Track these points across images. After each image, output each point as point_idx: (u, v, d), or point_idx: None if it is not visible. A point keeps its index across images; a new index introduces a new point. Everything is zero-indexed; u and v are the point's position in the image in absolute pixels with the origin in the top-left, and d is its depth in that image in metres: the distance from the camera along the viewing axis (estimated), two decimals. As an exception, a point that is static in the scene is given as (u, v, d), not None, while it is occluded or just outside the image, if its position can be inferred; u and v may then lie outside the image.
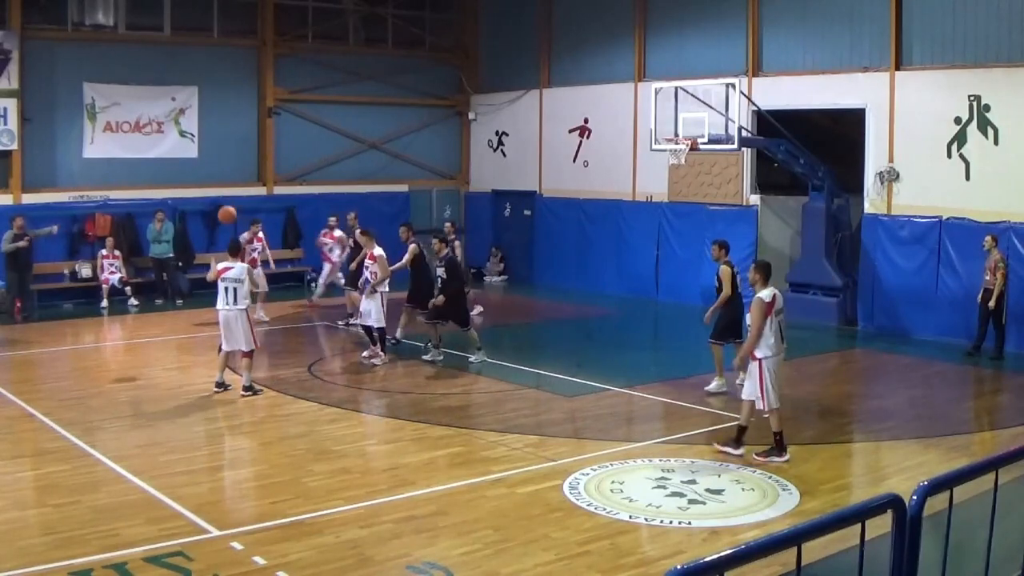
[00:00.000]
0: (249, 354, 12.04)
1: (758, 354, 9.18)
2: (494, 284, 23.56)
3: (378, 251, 14.10)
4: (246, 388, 12.05)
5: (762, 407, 9.24)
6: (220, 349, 12.29)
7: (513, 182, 23.91)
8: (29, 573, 6.74)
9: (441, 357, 14.20)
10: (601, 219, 21.45)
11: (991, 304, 14.36)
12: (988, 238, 14.61)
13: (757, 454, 9.37)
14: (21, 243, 17.36)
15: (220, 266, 12.03)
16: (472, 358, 14.16)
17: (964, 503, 4.04)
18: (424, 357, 14.27)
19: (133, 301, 19.05)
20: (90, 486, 8.70)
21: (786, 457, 9.29)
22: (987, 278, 14.53)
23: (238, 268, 12.00)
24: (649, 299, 20.26)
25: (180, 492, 8.45)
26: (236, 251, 12.54)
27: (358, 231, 15.74)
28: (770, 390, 9.23)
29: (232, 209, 14.40)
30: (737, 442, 9.47)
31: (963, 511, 4.02)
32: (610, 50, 21.56)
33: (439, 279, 14.29)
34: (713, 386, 12.22)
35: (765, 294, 9.22)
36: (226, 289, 11.91)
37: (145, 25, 20.73)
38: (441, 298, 13.99)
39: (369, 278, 14.18)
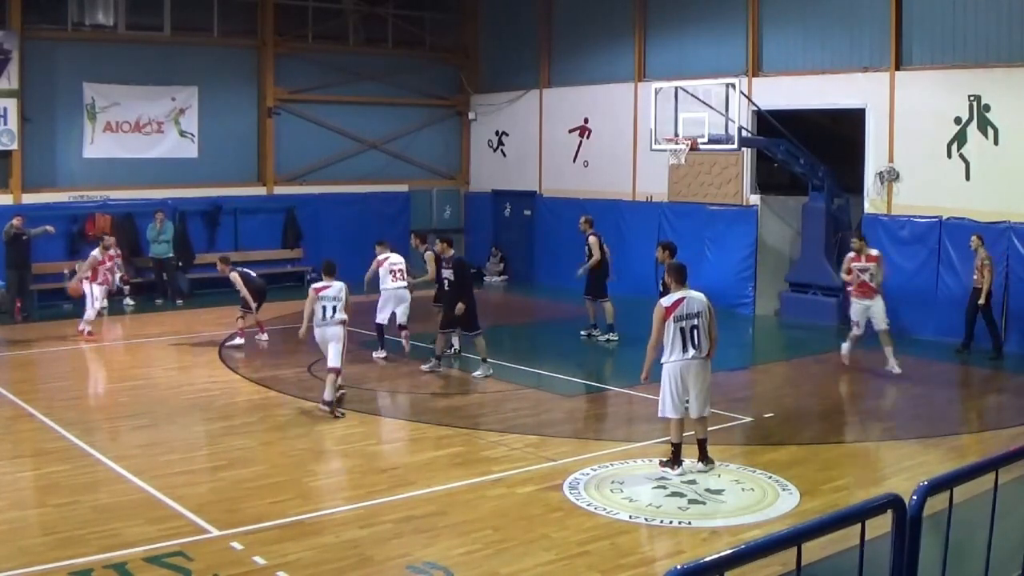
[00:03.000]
0: (336, 371, 11.41)
1: (661, 359, 9.03)
2: (494, 284, 23.57)
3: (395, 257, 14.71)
4: (327, 403, 11.25)
5: (659, 411, 9.10)
6: (329, 367, 11.43)
7: (513, 182, 23.91)
8: (29, 573, 6.75)
9: (441, 368, 13.63)
10: (601, 219, 21.36)
11: (981, 302, 14.43)
12: (974, 238, 14.73)
13: (661, 462, 9.21)
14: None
15: (318, 284, 11.60)
16: (476, 372, 13.29)
17: (964, 503, 4.04)
18: (424, 367, 13.56)
19: (129, 301, 19.06)
20: (90, 486, 8.70)
21: (678, 471, 8.97)
22: (975, 277, 14.65)
23: (336, 287, 11.51)
24: (649, 299, 20.10)
25: (180, 492, 8.46)
26: (332, 271, 11.81)
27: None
28: (667, 397, 8.97)
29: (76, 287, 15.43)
30: (673, 461, 9.08)
31: (963, 511, 4.02)
32: (610, 50, 21.57)
33: (446, 281, 13.58)
34: None
35: (666, 299, 9.05)
36: (324, 308, 11.41)
37: (145, 25, 20.72)
38: (461, 306, 13.13)
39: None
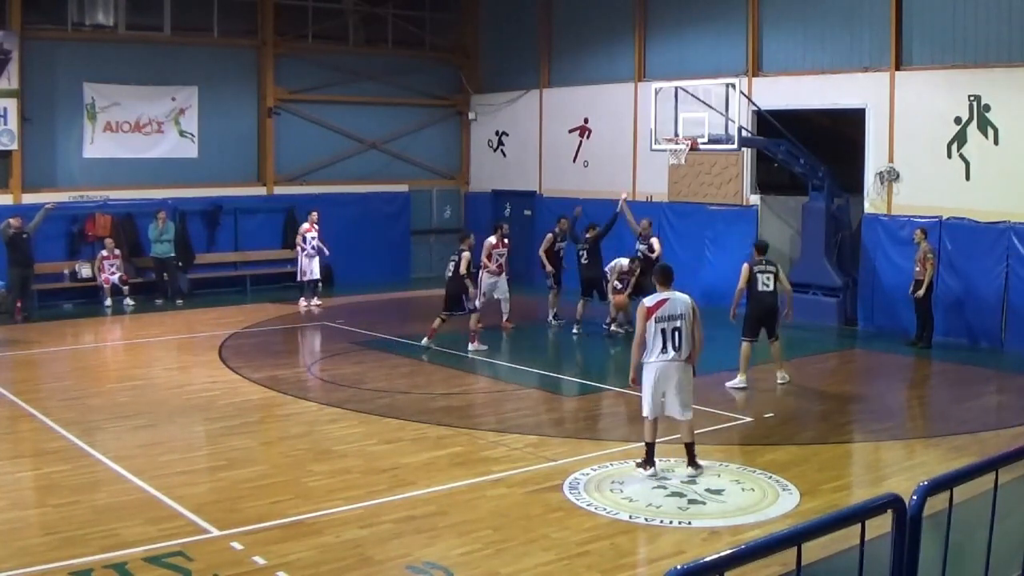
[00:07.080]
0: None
1: (643, 359, 9.00)
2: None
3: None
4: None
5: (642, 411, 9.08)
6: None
7: (513, 182, 23.90)
8: (29, 573, 6.74)
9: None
10: (601, 219, 21.32)
11: (920, 293, 15.17)
12: (918, 232, 15.38)
13: (636, 463, 9.14)
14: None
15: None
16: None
17: (964, 503, 4.04)
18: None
19: (129, 301, 19.05)
20: (90, 486, 8.70)
21: (651, 471, 8.92)
22: (917, 269, 15.27)
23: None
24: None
25: (180, 492, 8.46)
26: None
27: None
28: (645, 396, 8.99)
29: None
30: (646, 462, 9.02)
31: (963, 511, 4.02)
32: (610, 50, 21.56)
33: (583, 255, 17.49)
34: (735, 382, 12.60)
35: (649, 299, 9.02)
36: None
37: (145, 25, 20.72)
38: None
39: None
